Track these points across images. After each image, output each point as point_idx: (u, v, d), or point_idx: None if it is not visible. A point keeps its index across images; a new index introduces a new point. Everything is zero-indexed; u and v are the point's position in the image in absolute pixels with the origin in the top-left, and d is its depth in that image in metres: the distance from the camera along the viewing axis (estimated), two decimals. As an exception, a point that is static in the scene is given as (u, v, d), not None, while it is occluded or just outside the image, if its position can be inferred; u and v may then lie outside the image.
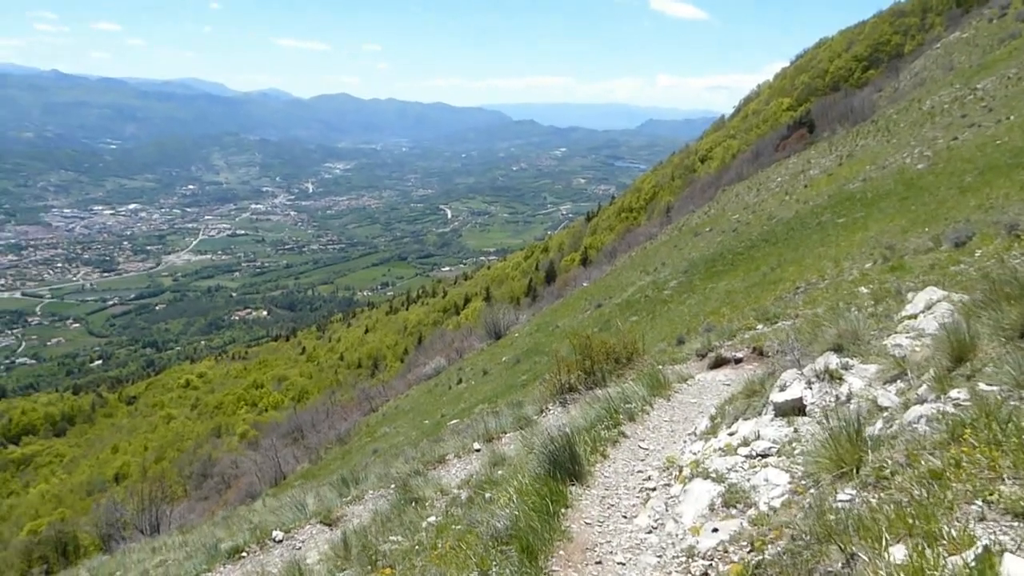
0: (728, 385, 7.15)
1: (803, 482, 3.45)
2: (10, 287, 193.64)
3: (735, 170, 51.89)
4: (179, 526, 15.63)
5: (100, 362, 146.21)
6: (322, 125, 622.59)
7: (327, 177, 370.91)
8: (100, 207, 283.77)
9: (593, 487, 4.73)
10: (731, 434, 4.52)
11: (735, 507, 3.67)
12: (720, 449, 4.27)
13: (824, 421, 3.94)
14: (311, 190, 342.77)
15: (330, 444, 31.12)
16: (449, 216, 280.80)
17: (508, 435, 7.67)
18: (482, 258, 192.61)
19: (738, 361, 7.88)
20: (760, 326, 9.10)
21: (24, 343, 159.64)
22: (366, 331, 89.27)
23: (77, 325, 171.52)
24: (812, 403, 4.38)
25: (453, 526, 5.14)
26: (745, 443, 4.21)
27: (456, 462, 7.21)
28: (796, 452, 3.88)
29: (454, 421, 19.54)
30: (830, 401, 4.32)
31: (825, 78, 64.72)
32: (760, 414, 4.65)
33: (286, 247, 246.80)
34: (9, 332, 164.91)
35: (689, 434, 5.72)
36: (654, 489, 4.57)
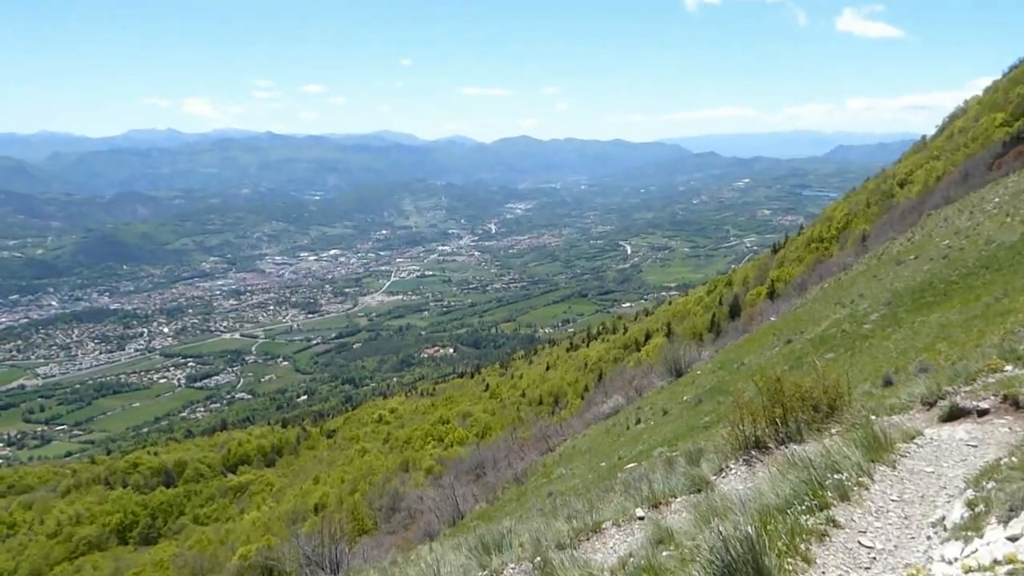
0: (974, 447, 5.36)
1: None
2: (231, 328, 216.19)
3: (940, 193, 46.90)
4: (348, 570, 15.50)
5: (305, 397, 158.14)
6: (504, 167, 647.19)
7: (509, 217, 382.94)
8: (306, 253, 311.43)
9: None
10: (1013, 538, 3.00)
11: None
12: (997, 560, 2.81)
13: None
14: (494, 230, 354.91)
15: (507, 484, 30.56)
16: (629, 252, 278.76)
17: (678, 500, 6.33)
18: (663, 293, 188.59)
19: (982, 413, 6.01)
20: (1010, 367, 7.06)
21: (242, 380, 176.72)
22: (547, 368, 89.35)
23: (286, 363, 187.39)
24: None
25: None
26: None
27: (614, 532, 6.00)
28: None
29: (631, 464, 18.26)
30: None
31: (1047, 86, 57.06)
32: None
33: (470, 286, 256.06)
34: (230, 370, 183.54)
35: (933, 524, 4.03)
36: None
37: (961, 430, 5.77)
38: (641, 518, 6.06)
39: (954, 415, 6.20)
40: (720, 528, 3.45)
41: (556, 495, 20.04)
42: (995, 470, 4.12)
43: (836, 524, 4.18)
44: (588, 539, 5.91)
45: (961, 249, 25.01)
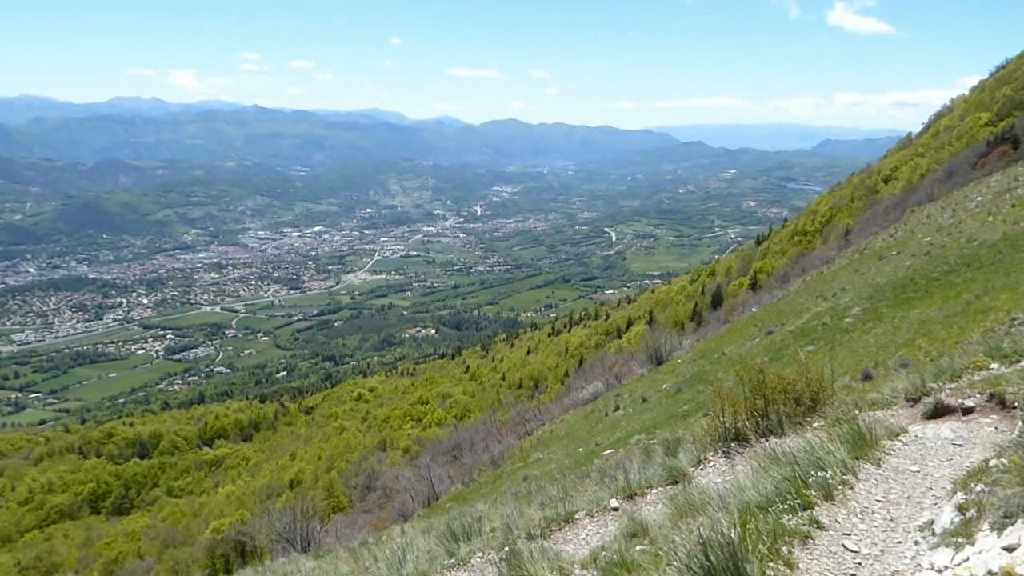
0: (960, 446, 5.17)
1: None
2: (212, 302, 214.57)
3: (924, 190, 47.10)
4: (319, 548, 15.35)
5: (285, 373, 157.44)
6: (491, 150, 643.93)
7: (495, 200, 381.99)
8: (289, 229, 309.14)
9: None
10: (1009, 548, 2.79)
11: None
12: (992, 572, 2.61)
13: None
14: (479, 213, 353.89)
15: (484, 466, 30.52)
16: (614, 239, 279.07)
17: (655, 491, 6.12)
18: (646, 281, 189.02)
19: (967, 411, 5.85)
20: (995, 365, 6.92)
21: (221, 353, 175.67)
22: (528, 352, 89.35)
23: (266, 338, 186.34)
24: None
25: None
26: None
27: (587, 523, 5.79)
28: None
29: (608, 451, 18.28)
30: None
31: (1032, 89, 57.23)
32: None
33: (455, 268, 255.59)
34: (210, 343, 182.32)
35: (920, 528, 3.87)
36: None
37: (946, 428, 5.61)
38: (616, 509, 5.88)
39: (939, 412, 6.06)
40: (699, 530, 3.25)
41: (532, 479, 19.99)
42: (984, 472, 3.94)
43: (820, 525, 3.98)
44: (560, 529, 5.71)
45: (943, 246, 25.09)
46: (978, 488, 3.69)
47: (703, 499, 4.65)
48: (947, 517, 3.58)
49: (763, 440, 6.28)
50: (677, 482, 6.11)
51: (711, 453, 6.64)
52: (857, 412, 5.94)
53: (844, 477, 4.51)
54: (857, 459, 4.80)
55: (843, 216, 62.45)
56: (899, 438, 5.33)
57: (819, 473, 4.54)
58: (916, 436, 5.45)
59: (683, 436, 10.14)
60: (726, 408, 6.68)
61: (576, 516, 5.87)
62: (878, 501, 4.38)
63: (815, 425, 6.12)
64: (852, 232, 51.45)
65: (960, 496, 3.73)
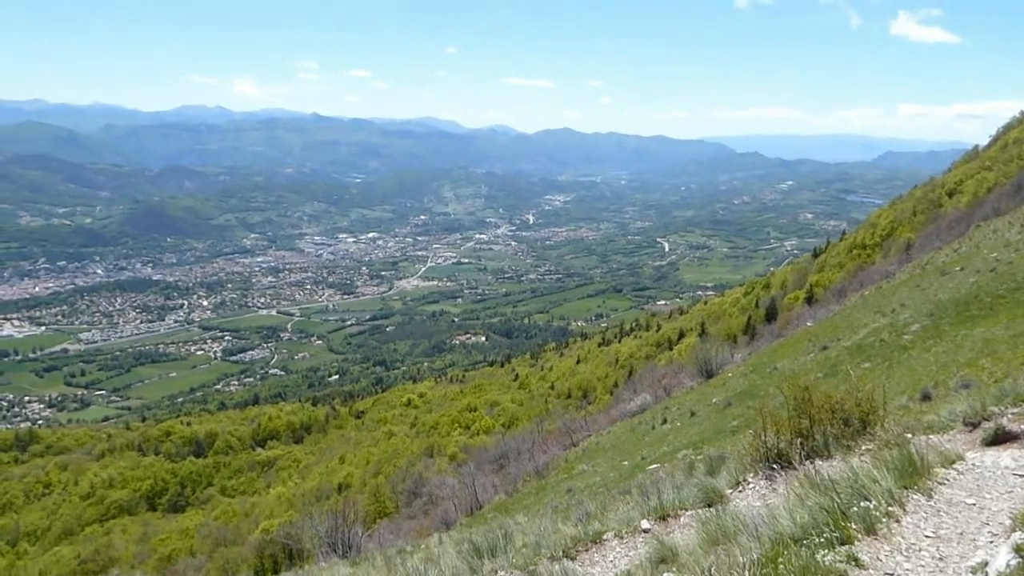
0: (1021, 476, 4.71)
1: None
2: (268, 305, 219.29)
3: (991, 204, 45.23)
4: (355, 557, 15.36)
5: (337, 377, 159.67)
6: (545, 159, 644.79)
7: (547, 209, 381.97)
8: (344, 235, 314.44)
9: None
10: None
11: None
12: None
13: None
14: (532, 221, 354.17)
15: (528, 477, 30.27)
16: (666, 249, 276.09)
17: (689, 513, 5.83)
18: (699, 292, 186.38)
19: None
20: None
21: (276, 356, 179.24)
22: (578, 361, 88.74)
23: (320, 342, 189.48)
24: None
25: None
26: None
27: (616, 544, 5.53)
28: None
29: (654, 465, 17.93)
30: None
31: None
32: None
33: (506, 276, 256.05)
34: (265, 345, 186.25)
35: (972, 570, 3.48)
36: None
37: (1007, 456, 5.18)
38: (647, 530, 5.62)
39: (999, 439, 5.62)
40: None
41: (575, 492, 19.73)
42: None
43: (859, 563, 3.59)
44: (587, 550, 5.47)
45: (1010, 262, 23.98)
46: (1041, 526, 3.34)
47: (736, 526, 4.36)
48: (1003, 559, 3.22)
49: (807, 462, 5.94)
50: (712, 504, 5.81)
51: (751, 474, 6.31)
52: (910, 436, 5.56)
53: (890, 508, 4.13)
54: (906, 488, 4.40)
55: (904, 230, 60.52)
56: (954, 466, 4.92)
57: (862, 503, 4.16)
58: (973, 464, 5.02)
59: (728, 453, 9.79)
60: (769, 428, 6.36)
61: (605, 537, 5.63)
62: (927, 537, 3.99)
63: (864, 448, 5.76)
64: (913, 246, 49.82)
65: (1018, 536, 3.37)
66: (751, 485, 6.17)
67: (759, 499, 5.78)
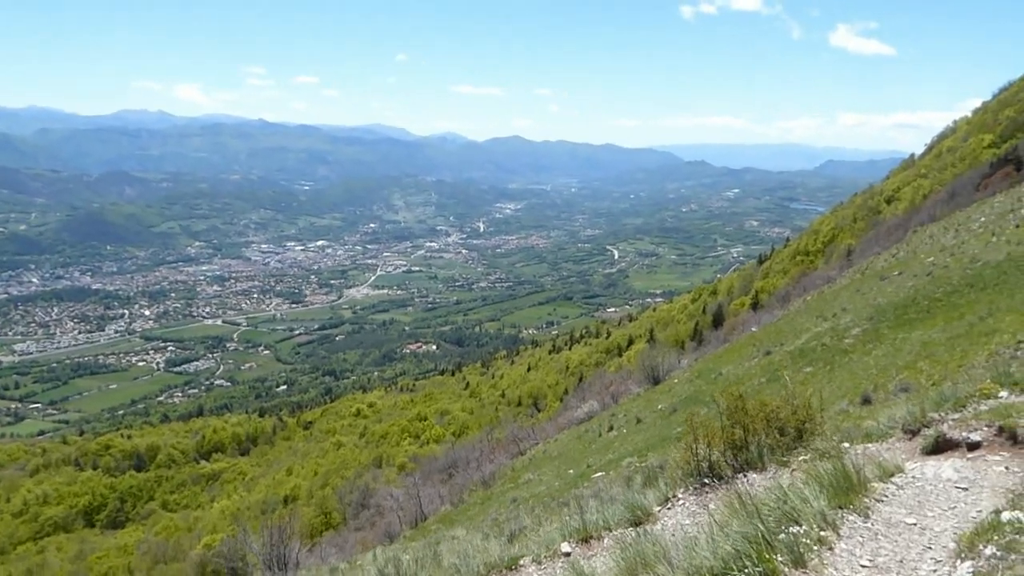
0: (964, 489, 4.36)
1: None
2: (213, 314, 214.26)
3: (927, 211, 46.67)
4: (297, 568, 14.65)
5: (285, 387, 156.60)
6: (494, 167, 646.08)
7: (498, 217, 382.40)
8: (293, 243, 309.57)
9: None
10: None
11: None
12: None
13: None
14: (482, 229, 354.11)
15: (475, 487, 29.80)
16: (616, 257, 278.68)
17: (613, 533, 5.38)
18: (648, 300, 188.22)
19: (973, 446, 5.07)
20: (1004, 393, 6.17)
21: (222, 366, 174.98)
22: (528, 369, 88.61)
23: (267, 352, 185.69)
24: None
25: None
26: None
27: (533, 570, 5.08)
28: None
29: (599, 473, 17.73)
30: None
31: (1034, 111, 56.79)
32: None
33: (456, 284, 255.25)
34: (211, 356, 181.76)
35: None
36: None
37: (949, 467, 4.86)
38: (567, 554, 5.19)
39: (940, 447, 5.33)
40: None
41: (520, 502, 19.35)
42: (995, 528, 3.19)
43: None
44: (502, 577, 5.02)
45: (946, 267, 24.50)
46: (988, 551, 2.95)
47: (656, 552, 3.92)
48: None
49: (740, 475, 5.59)
50: (640, 523, 5.40)
51: (681, 489, 5.91)
52: (847, 445, 5.23)
53: (822, 534, 3.72)
54: (840, 508, 3.96)
55: (845, 236, 62.03)
56: (893, 479, 4.54)
57: (791, 528, 3.72)
58: (913, 477, 4.67)
59: (670, 462, 9.47)
60: (700, 439, 5.98)
61: (522, 563, 5.17)
62: (863, 567, 3.55)
63: (799, 458, 5.43)
64: (854, 252, 51.01)
65: (967, 567, 2.96)
66: (680, 501, 5.76)
67: (688, 516, 5.38)
